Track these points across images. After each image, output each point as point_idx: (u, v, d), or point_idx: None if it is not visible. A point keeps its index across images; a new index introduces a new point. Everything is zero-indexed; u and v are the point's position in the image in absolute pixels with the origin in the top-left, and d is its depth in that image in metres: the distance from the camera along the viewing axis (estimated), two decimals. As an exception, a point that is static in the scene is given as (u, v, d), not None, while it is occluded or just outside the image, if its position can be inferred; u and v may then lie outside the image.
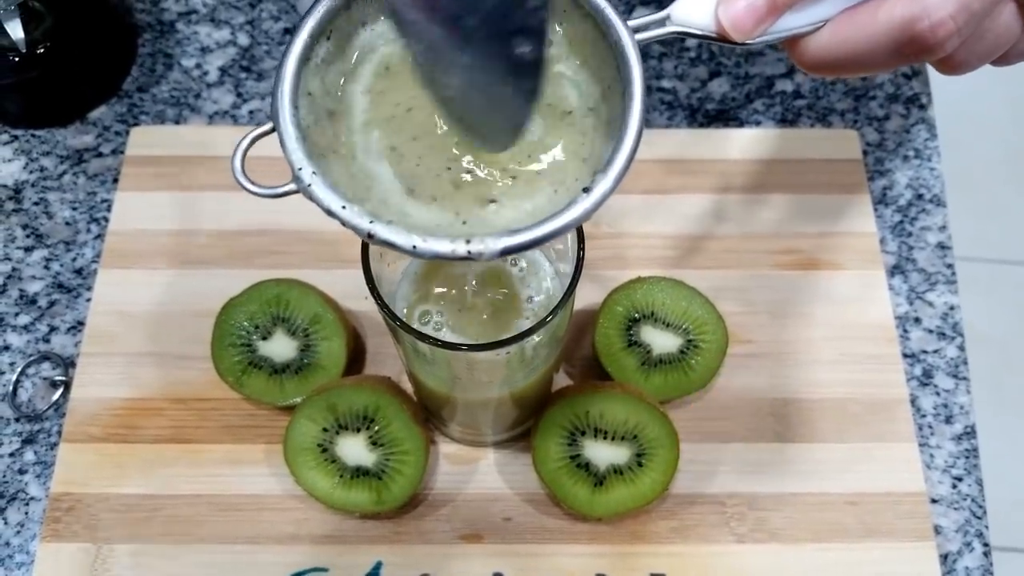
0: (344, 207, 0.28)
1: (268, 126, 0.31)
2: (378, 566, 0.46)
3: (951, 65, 0.33)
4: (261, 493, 0.48)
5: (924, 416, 0.50)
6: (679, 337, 0.48)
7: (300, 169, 0.29)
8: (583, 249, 0.37)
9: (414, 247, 0.28)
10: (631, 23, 0.31)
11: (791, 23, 0.32)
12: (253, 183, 0.30)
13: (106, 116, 0.58)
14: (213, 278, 0.52)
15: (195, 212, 0.55)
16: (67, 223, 0.55)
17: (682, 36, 0.32)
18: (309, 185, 0.29)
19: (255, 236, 0.54)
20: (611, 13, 0.30)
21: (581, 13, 0.31)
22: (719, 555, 0.46)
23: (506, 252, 0.28)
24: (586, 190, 0.29)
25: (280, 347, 0.48)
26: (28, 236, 0.55)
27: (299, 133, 0.30)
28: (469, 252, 0.28)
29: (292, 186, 0.29)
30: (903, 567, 0.46)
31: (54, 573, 0.46)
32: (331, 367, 0.48)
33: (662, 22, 0.32)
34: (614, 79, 0.31)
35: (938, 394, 0.51)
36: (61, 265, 0.54)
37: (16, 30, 0.52)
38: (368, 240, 0.29)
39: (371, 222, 0.28)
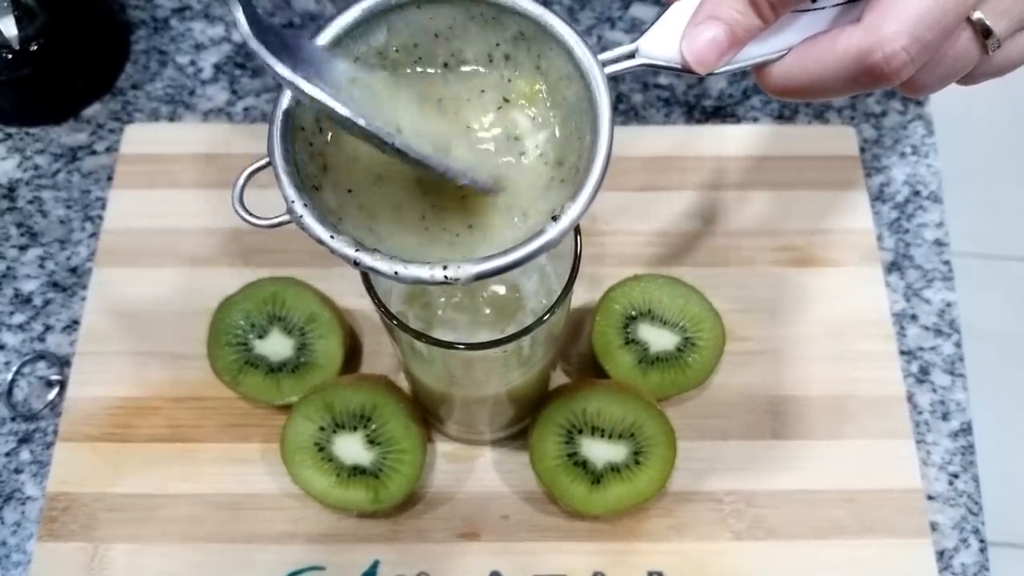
0: (332, 237, 0.31)
1: (265, 160, 0.32)
2: (375, 565, 0.46)
3: (912, 89, 0.34)
4: (258, 492, 0.47)
5: (921, 413, 0.50)
6: (676, 335, 0.48)
7: (292, 202, 0.31)
8: (580, 247, 0.37)
9: (396, 273, 0.30)
10: (602, 57, 0.33)
11: (753, 53, 0.33)
12: (252, 214, 0.33)
13: (100, 114, 0.58)
14: (209, 276, 0.52)
15: (190, 210, 0.54)
16: (61, 221, 0.55)
17: (650, 68, 0.34)
18: (301, 216, 0.31)
19: (251, 234, 0.53)
20: (582, 47, 0.32)
21: (558, 48, 0.33)
22: (716, 552, 0.46)
23: (480, 277, 0.30)
24: (555, 218, 0.31)
25: (276, 346, 0.48)
26: (22, 235, 0.54)
27: (292, 168, 0.32)
28: (446, 277, 0.30)
29: (286, 216, 0.32)
30: (900, 564, 0.46)
31: (51, 573, 0.46)
32: (327, 366, 0.48)
33: (631, 55, 0.33)
34: (585, 111, 0.32)
35: (935, 391, 0.51)
36: (56, 264, 0.54)
37: (9, 27, 0.52)
38: (354, 267, 0.31)
39: (356, 251, 0.30)
